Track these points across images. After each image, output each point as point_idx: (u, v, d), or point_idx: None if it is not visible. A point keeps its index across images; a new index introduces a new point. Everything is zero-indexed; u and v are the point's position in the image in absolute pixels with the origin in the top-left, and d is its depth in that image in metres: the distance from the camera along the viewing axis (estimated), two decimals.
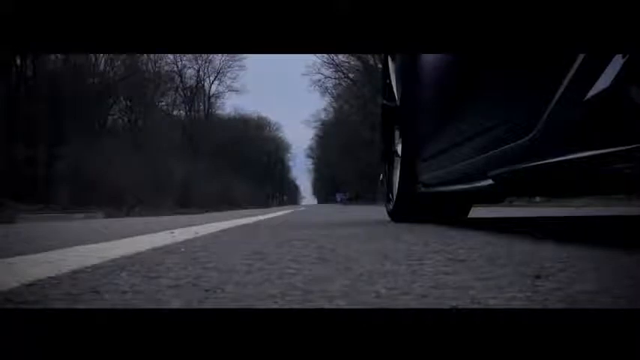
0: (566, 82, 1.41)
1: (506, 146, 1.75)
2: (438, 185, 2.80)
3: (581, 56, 1.34)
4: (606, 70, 1.25)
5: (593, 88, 1.27)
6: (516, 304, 0.77)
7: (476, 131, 2.07)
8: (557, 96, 1.45)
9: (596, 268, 1.10)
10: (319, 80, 44.45)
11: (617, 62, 1.24)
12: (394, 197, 3.51)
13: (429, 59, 2.74)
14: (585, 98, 1.30)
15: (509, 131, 1.74)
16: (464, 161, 2.23)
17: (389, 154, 3.76)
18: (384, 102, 3.75)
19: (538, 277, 0.99)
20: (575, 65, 1.35)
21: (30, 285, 1.02)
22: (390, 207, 3.65)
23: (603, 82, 1.24)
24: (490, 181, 2.01)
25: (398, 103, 3.39)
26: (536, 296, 0.82)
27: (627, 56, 1.22)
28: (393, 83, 3.52)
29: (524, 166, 1.67)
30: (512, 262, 1.20)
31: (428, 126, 2.84)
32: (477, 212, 4.39)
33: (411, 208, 3.39)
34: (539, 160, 1.55)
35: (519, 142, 1.64)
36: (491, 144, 1.91)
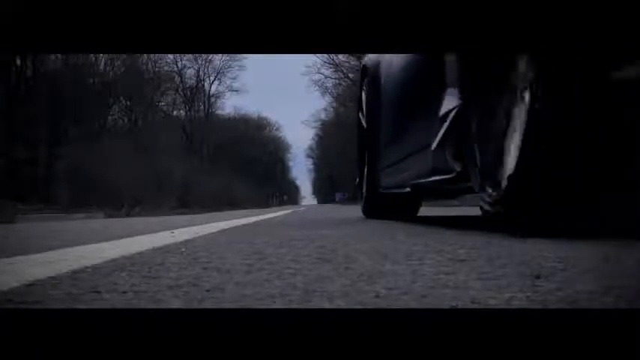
0: (443, 130, 2.27)
1: (415, 167, 2.79)
2: (390, 189, 3.67)
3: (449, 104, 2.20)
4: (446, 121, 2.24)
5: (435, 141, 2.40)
6: (516, 304, 0.77)
7: (405, 154, 3.04)
8: (437, 139, 2.36)
9: (596, 268, 1.10)
10: (319, 80, 44.43)
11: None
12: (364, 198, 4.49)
13: (387, 98, 3.66)
14: (432, 148, 2.40)
15: (417, 158, 2.73)
16: (401, 173, 3.19)
17: (362, 165, 4.55)
18: (360, 118, 4.57)
19: (538, 277, 0.99)
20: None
21: (30, 285, 1.02)
22: (362, 206, 4.61)
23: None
24: (409, 189, 3.13)
25: (365, 126, 4.30)
26: (536, 296, 0.82)
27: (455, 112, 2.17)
28: (363, 112, 4.41)
29: (420, 181, 2.76)
30: (512, 262, 1.20)
31: (384, 145, 3.76)
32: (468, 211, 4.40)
33: (375, 207, 4.25)
34: (425, 179, 2.64)
35: (419, 165, 2.69)
36: (410, 164, 2.92)
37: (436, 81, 2.36)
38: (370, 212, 4.36)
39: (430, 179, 2.54)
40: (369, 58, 4.36)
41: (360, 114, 4.57)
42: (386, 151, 3.66)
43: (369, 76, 4.19)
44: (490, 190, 1.93)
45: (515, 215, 1.89)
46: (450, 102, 2.23)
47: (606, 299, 0.79)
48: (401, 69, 3.24)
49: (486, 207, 1.97)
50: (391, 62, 3.54)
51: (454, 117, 2.15)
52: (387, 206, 4.14)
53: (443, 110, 2.27)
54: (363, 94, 4.35)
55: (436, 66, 2.36)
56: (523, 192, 1.77)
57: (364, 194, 4.44)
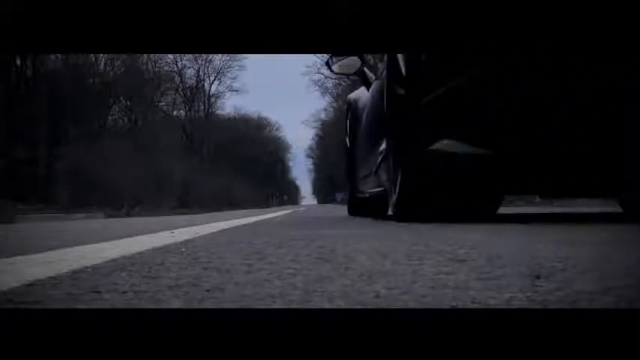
0: (379, 160, 3.54)
1: (370, 182, 4.04)
2: (363, 194, 4.78)
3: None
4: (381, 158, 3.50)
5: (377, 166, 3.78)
6: (516, 304, 0.77)
7: (367, 172, 4.25)
8: (376, 166, 3.60)
9: (596, 268, 1.10)
10: (319, 80, 44.38)
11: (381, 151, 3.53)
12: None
13: (360, 128, 4.84)
14: (374, 171, 3.88)
15: (371, 176, 3.88)
16: (367, 184, 4.45)
17: (349, 175, 5.81)
18: (347, 141, 5.79)
19: (538, 277, 0.99)
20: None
21: (30, 285, 1.02)
22: (347, 206, 6.11)
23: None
24: (367, 195, 4.48)
25: (348, 147, 5.61)
26: (536, 296, 0.82)
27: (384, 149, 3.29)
28: (348, 136, 5.68)
29: (372, 191, 4.06)
30: (512, 262, 1.20)
31: (359, 162, 4.90)
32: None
33: (356, 207, 5.50)
34: (374, 190, 3.87)
35: (370, 180, 3.97)
36: (369, 180, 4.16)
37: (381, 124, 3.47)
38: (352, 211, 5.75)
39: (375, 190, 3.99)
40: (352, 94, 5.59)
41: (346, 137, 5.85)
42: (360, 167, 4.81)
43: (351, 109, 5.36)
44: (392, 201, 3.26)
45: (402, 216, 3.15)
46: (385, 142, 3.41)
47: (606, 299, 0.79)
48: (367, 109, 4.40)
49: (392, 209, 3.29)
50: (365, 101, 4.63)
51: (385, 153, 3.41)
52: (364, 207, 5.25)
53: (381, 148, 3.55)
54: (348, 122, 5.62)
55: (382, 113, 3.38)
56: (403, 204, 3.11)
57: (349, 197, 5.98)
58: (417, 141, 2.70)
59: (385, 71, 3.26)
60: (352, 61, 4.44)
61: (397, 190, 3.04)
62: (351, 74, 4.86)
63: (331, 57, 4.59)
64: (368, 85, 4.50)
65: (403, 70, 2.84)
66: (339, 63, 4.50)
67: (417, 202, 3.00)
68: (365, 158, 4.40)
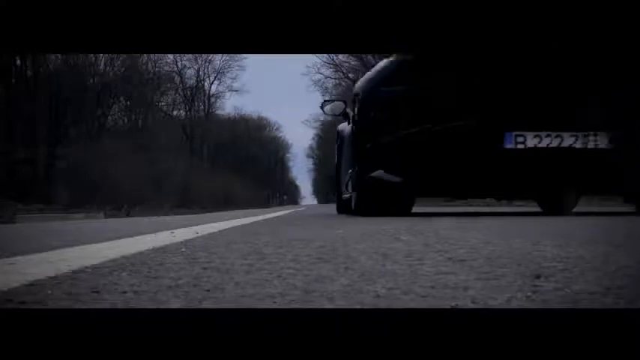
0: (348, 175, 5.48)
1: (346, 190, 5.85)
2: (345, 197, 6.15)
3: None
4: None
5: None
6: (516, 304, 0.77)
7: (345, 182, 5.79)
8: (347, 178, 5.61)
9: (596, 268, 1.10)
10: (319, 80, 44.35)
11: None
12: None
13: (343, 151, 6.43)
14: (346, 180, 5.92)
15: (346, 185, 5.85)
16: (345, 191, 5.95)
17: (337, 182, 7.25)
18: (336, 158, 7.27)
19: (538, 277, 0.99)
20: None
21: (30, 285, 1.02)
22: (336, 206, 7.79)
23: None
24: (345, 199, 6.11)
25: (336, 162, 7.18)
26: (536, 296, 0.82)
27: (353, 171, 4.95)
28: (336, 155, 7.21)
29: (345, 196, 6.02)
30: (512, 262, 1.20)
31: (343, 174, 6.21)
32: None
33: (342, 207, 6.62)
34: (347, 195, 5.76)
35: (346, 189, 5.88)
36: (346, 187, 5.89)
37: (351, 155, 5.14)
38: (340, 210, 7.07)
39: (348, 195, 5.60)
40: (340, 125, 7.12)
41: (336, 155, 7.38)
42: (343, 177, 6.25)
43: (339, 136, 6.91)
44: (353, 204, 5.00)
45: (358, 213, 4.78)
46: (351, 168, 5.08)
47: (606, 299, 0.79)
48: (347, 139, 5.94)
49: (353, 208, 5.00)
50: (347, 132, 6.03)
51: (350, 174, 5.13)
52: (346, 207, 6.27)
53: (350, 170, 5.18)
54: (338, 144, 7.10)
55: (351, 146, 5.09)
56: (358, 206, 4.79)
57: (337, 199, 7.56)
58: (364, 171, 4.47)
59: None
60: (338, 105, 6.43)
61: (355, 198, 4.91)
62: (338, 115, 6.60)
63: (324, 101, 6.84)
64: (349, 122, 6.07)
65: (356, 106, 4.57)
66: (329, 106, 6.51)
67: (365, 205, 4.73)
68: (345, 173, 6.18)
